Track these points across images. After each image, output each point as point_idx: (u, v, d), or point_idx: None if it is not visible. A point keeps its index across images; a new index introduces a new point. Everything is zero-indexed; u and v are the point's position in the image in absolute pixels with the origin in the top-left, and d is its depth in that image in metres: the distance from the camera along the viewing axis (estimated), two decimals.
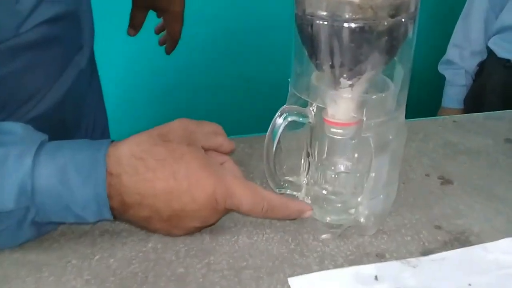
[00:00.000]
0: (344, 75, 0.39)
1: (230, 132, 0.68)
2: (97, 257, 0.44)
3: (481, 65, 1.28)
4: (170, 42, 0.81)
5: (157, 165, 0.41)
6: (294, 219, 0.48)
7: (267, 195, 0.44)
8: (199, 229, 0.46)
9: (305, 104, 0.45)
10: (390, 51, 0.38)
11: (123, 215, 0.43)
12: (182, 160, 0.42)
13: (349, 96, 0.41)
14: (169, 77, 1.41)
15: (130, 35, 0.80)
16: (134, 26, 0.79)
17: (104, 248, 0.45)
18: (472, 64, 1.29)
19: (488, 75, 1.23)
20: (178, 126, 0.45)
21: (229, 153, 0.51)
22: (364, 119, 0.40)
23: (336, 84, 0.40)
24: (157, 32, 0.84)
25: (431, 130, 0.69)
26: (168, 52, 0.83)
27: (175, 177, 0.41)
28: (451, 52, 1.32)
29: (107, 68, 0.83)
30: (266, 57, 1.44)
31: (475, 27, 1.25)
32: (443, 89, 1.38)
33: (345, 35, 0.36)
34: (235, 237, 0.47)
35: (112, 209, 0.41)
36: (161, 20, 0.81)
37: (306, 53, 0.40)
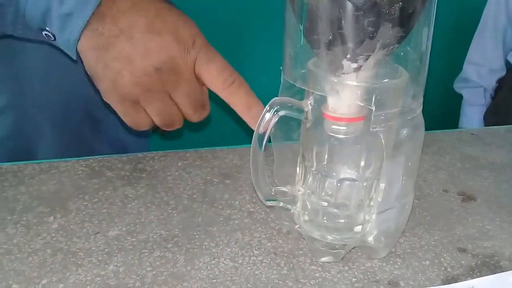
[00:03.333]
0: (348, 55, 0.32)
1: (220, 143, 0.61)
2: (44, 281, 0.36)
3: (501, 81, 1.20)
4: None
5: None
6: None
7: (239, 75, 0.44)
8: (157, 74, 0.42)
9: (301, 99, 0.37)
10: (405, 22, 0.30)
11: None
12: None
13: (354, 83, 0.33)
14: None
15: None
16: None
17: (54, 271, 0.37)
18: (491, 81, 1.20)
19: (509, 90, 1.15)
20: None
21: None
22: (373, 108, 0.32)
23: (337, 68, 0.33)
24: None
25: (446, 143, 0.61)
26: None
27: None
28: (468, 70, 1.23)
29: None
30: (258, 68, 1.37)
31: (491, 44, 1.17)
32: (458, 108, 1.30)
33: (349, 1, 0.29)
34: (216, 260, 0.39)
35: None
36: None
37: (300, 28, 0.33)
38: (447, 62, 1.53)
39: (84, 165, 0.52)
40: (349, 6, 0.29)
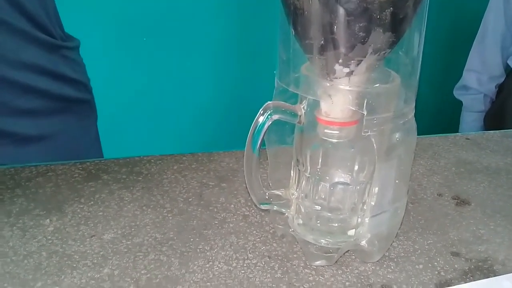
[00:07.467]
0: (340, 60, 0.32)
1: (219, 147, 0.61)
2: (39, 284, 0.36)
3: (501, 85, 1.21)
4: None
5: None
6: None
7: None
8: None
9: (295, 103, 0.38)
10: (396, 27, 0.31)
11: None
12: None
13: (347, 88, 0.33)
14: (157, 92, 1.34)
15: None
16: None
17: (49, 274, 0.37)
18: (491, 87, 1.21)
19: (509, 93, 1.16)
20: None
21: None
22: (365, 113, 0.32)
23: (330, 72, 0.33)
24: None
25: (441, 148, 0.61)
26: None
27: None
28: (468, 77, 1.24)
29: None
30: (252, 72, 1.37)
31: (491, 51, 1.18)
32: (456, 113, 1.30)
33: (340, 6, 0.29)
34: (210, 263, 0.39)
35: None
36: None
37: (293, 33, 0.33)
38: (446, 67, 1.54)
39: (80, 168, 0.52)
40: (341, 11, 0.30)
